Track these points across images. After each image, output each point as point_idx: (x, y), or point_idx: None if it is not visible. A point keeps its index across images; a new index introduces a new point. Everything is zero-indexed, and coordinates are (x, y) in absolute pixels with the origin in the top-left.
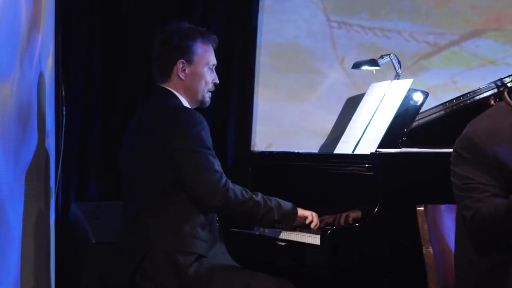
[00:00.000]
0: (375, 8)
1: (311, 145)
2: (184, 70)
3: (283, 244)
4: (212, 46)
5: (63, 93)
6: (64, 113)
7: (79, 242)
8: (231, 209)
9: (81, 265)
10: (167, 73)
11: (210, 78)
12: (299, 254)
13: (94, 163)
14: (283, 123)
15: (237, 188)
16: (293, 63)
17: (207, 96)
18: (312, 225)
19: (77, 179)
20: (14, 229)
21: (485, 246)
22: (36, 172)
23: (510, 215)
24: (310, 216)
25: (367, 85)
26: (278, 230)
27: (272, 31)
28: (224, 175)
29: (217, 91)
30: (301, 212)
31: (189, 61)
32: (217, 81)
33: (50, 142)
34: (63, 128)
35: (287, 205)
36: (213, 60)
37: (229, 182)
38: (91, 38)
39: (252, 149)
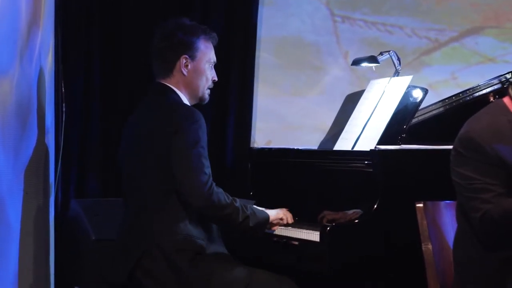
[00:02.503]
0: (376, 3)
1: (314, 141)
2: (187, 65)
3: (282, 241)
4: (213, 43)
5: (63, 90)
6: (64, 109)
7: (78, 239)
8: (213, 212)
9: (81, 261)
10: (169, 68)
11: (210, 75)
12: (299, 251)
13: (93, 160)
14: (286, 118)
15: (220, 192)
16: (296, 58)
17: (207, 93)
18: (286, 222)
19: (76, 175)
20: (13, 226)
21: (494, 244)
22: (35, 169)
23: None
24: (283, 216)
25: (371, 80)
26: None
27: (276, 25)
28: (211, 178)
29: (216, 87)
30: (273, 217)
31: (192, 57)
32: (216, 79)
33: (50, 139)
34: (63, 125)
35: (261, 213)
36: (213, 57)
37: (214, 185)
38: (90, 35)
39: (251, 145)
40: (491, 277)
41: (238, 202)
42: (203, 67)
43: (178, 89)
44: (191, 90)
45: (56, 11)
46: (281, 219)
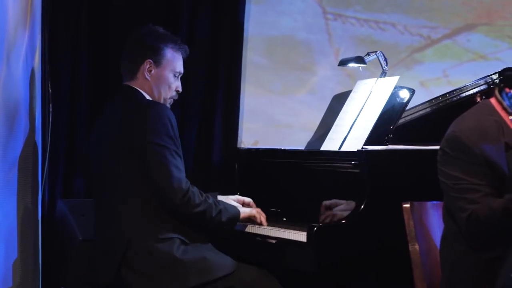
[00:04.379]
0: (369, 0)
1: (302, 141)
2: (150, 70)
3: (270, 241)
4: (182, 55)
5: (50, 90)
6: (50, 109)
7: (65, 239)
8: (188, 209)
9: (68, 261)
10: (133, 71)
11: (174, 85)
12: (286, 251)
13: (80, 160)
14: (273, 118)
15: (196, 191)
16: (285, 57)
17: (168, 103)
18: (259, 222)
19: (63, 175)
20: (1, 226)
21: (481, 245)
22: (22, 169)
23: (506, 216)
24: (256, 214)
25: (363, 79)
26: (265, 227)
27: (266, 23)
28: (185, 178)
29: (203, 87)
30: (244, 214)
31: (157, 63)
32: (180, 90)
33: (37, 139)
34: (50, 125)
35: (232, 208)
36: (180, 68)
37: (190, 185)
38: (78, 35)
39: (239, 146)
40: (478, 277)
41: (211, 199)
42: (166, 75)
43: (143, 91)
44: (153, 96)
45: (43, 11)
46: (254, 216)
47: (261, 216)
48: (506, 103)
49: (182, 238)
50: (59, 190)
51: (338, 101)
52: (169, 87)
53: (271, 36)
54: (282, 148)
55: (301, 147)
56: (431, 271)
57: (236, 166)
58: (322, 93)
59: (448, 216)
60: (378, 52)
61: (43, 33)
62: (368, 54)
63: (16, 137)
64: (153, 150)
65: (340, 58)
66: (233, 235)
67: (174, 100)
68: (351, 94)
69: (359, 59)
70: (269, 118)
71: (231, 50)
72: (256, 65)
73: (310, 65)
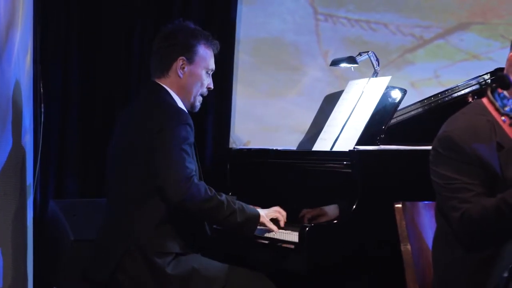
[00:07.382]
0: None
1: (293, 141)
2: (183, 68)
3: (262, 241)
4: (213, 51)
5: (42, 91)
6: (42, 110)
7: (57, 239)
8: (193, 205)
9: (60, 262)
10: (165, 69)
11: (205, 81)
12: (279, 251)
13: (72, 160)
14: (265, 119)
15: (202, 185)
16: (275, 58)
17: (198, 100)
18: (281, 224)
19: (55, 176)
20: None
21: (473, 244)
22: (14, 169)
23: (498, 215)
24: (277, 215)
25: (352, 80)
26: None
27: (256, 25)
28: (193, 172)
29: None
30: (263, 218)
31: (190, 60)
32: (212, 87)
33: (28, 140)
34: (42, 126)
35: (250, 209)
36: (212, 65)
37: (195, 178)
38: (69, 35)
39: (230, 146)
40: (470, 277)
41: (224, 196)
42: (199, 72)
43: (172, 90)
44: (185, 93)
45: (35, 12)
46: (276, 217)
47: (283, 217)
48: (498, 103)
49: (180, 252)
50: (51, 190)
51: (330, 102)
52: (201, 84)
53: (261, 37)
54: (274, 148)
55: (292, 147)
56: (423, 271)
57: (228, 166)
58: (312, 95)
59: (441, 216)
60: (370, 52)
61: (35, 33)
62: (360, 54)
63: (8, 137)
64: (160, 149)
65: (329, 60)
66: (225, 235)
67: (203, 97)
68: (343, 95)
69: (351, 59)
70: (260, 119)
71: (223, 51)
72: (247, 66)
73: (300, 67)
